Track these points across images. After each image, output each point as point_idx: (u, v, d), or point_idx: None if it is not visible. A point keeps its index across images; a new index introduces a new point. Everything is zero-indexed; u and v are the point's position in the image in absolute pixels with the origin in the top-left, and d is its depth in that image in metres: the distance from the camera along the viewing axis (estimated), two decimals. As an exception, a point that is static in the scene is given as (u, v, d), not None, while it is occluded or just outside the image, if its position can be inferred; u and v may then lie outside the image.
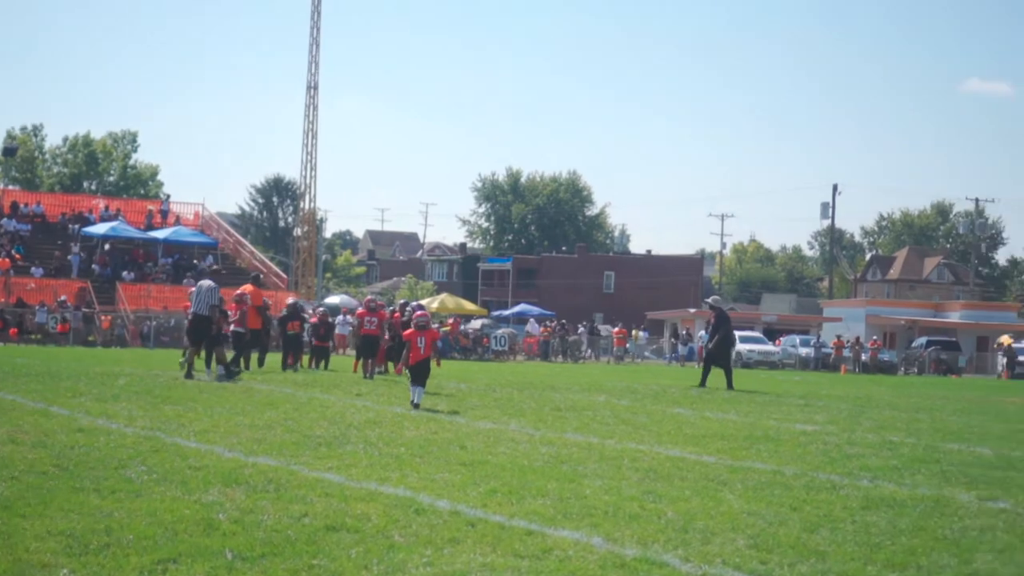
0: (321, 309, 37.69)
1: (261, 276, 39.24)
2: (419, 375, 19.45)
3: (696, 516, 9.45)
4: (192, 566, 7.11)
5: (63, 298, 52.65)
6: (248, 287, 29.23)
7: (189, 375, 24.42)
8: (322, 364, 33.04)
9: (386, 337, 29.63)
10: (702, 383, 29.77)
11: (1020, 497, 11.23)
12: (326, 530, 8.28)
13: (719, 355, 30.64)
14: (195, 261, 62.51)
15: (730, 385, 29.24)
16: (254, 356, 30.16)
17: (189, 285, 31.40)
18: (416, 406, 18.90)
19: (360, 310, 31.69)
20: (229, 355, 26.31)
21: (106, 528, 8.02)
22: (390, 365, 30.00)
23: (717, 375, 30.20)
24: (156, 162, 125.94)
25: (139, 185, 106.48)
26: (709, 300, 32.26)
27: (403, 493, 9.97)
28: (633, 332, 66.62)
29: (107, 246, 60.54)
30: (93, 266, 58.48)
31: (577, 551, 7.95)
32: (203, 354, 25.70)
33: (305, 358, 33.48)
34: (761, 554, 8.10)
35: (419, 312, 22.25)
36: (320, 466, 11.43)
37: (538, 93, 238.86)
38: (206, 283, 25.90)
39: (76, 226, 62.36)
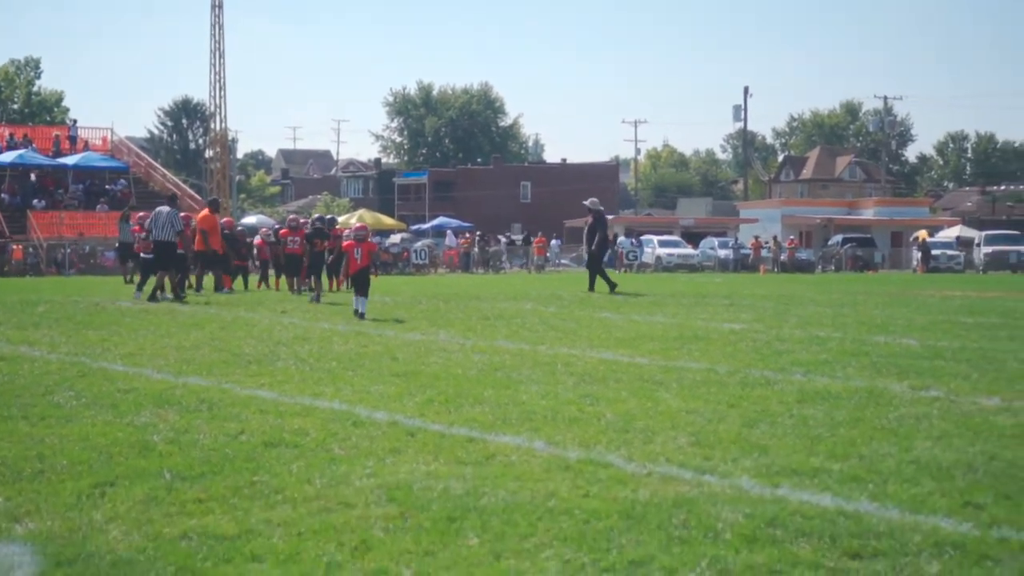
0: (240, 228, 37.35)
1: (220, 201, 41.77)
2: (359, 285, 20.09)
3: (635, 417, 9.42)
4: (130, 488, 6.94)
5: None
6: (204, 211, 29.94)
7: (180, 298, 24.92)
8: (240, 282, 32.71)
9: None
10: (590, 287, 29.64)
11: (951, 385, 11.33)
12: (264, 446, 8.15)
13: (599, 257, 30.61)
14: (107, 186, 61.41)
15: (592, 288, 29.38)
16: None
17: (137, 213, 31.38)
18: (361, 316, 19.51)
19: (283, 230, 31.47)
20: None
21: (38, 455, 7.83)
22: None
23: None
24: (60, 88, 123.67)
25: (44, 112, 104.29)
26: (587, 202, 31.36)
27: (339, 407, 9.85)
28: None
29: (32, 177, 59.31)
30: (2, 195, 57.30)
31: (520, 456, 7.88)
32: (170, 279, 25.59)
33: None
34: (704, 451, 8.07)
35: (358, 225, 22.72)
36: (252, 383, 11.28)
37: (446, 3, 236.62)
38: (164, 209, 25.47)
39: (-18, 155, 60.97)
